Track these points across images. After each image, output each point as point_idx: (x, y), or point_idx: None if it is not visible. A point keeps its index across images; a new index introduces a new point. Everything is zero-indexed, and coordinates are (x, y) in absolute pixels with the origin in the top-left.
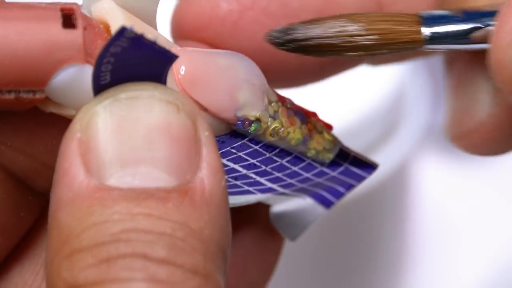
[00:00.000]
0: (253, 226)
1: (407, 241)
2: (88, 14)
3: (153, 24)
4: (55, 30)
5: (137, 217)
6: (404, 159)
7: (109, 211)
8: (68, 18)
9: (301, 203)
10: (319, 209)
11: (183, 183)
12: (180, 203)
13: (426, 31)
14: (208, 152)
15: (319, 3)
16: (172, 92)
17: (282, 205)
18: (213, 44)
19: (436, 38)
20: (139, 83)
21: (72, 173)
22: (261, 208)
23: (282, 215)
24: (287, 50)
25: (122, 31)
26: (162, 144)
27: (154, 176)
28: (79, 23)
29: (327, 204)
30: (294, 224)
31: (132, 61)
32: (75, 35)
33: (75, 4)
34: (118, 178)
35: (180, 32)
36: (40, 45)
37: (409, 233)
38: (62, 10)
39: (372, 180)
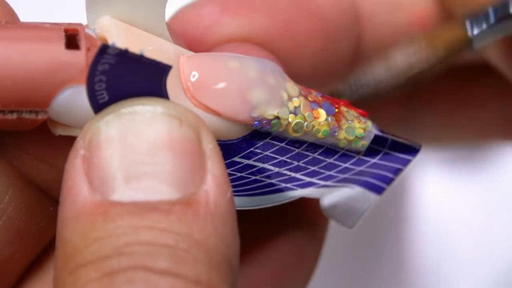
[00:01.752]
0: (292, 234)
1: (405, 252)
2: (92, 32)
3: (163, 33)
4: (58, 51)
5: (139, 230)
6: (403, 172)
7: (112, 225)
8: (72, 39)
9: (350, 192)
10: (371, 196)
11: (186, 196)
12: (184, 215)
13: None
14: (213, 165)
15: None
16: (174, 106)
17: (331, 196)
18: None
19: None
20: (140, 98)
21: (76, 190)
22: (299, 215)
23: (334, 207)
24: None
25: (104, 49)
26: (165, 158)
27: (157, 189)
28: (83, 44)
29: (378, 190)
30: (349, 213)
31: (125, 77)
32: (78, 56)
33: (80, 24)
34: (121, 193)
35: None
36: (43, 66)
37: (407, 244)
38: (66, 31)
39: None
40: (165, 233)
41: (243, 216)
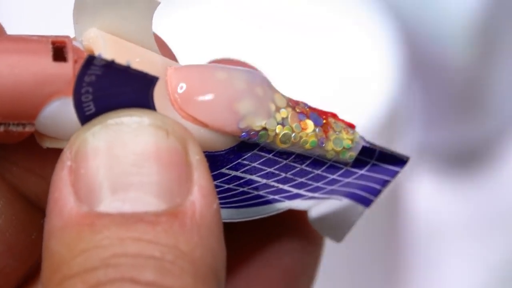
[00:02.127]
0: (291, 235)
1: (398, 262)
2: (79, 44)
3: (151, 44)
4: (45, 64)
5: (126, 242)
6: (396, 180)
7: (98, 236)
8: (60, 51)
9: (338, 204)
10: (359, 208)
11: (173, 207)
12: (170, 226)
13: None
14: (199, 176)
15: None
16: (161, 117)
17: (319, 208)
18: None
19: None
20: (127, 109)
21: (62, 202)
22: (295, 223)
23: (322, 219)
24: None
25: (91, 60)
26: (151, 169)
27: (144, 200)
28: (70, 56)
29: (366, 202)
30: (337, 226)
31: (112, 89)
32: (65, 69)
33: (67, 36)
34: (107, 204)
35: None
36: (30, 78)
37: (400, 253)
38: (53, 43)
39: None
40: (151, 244)
41: (236, 227)
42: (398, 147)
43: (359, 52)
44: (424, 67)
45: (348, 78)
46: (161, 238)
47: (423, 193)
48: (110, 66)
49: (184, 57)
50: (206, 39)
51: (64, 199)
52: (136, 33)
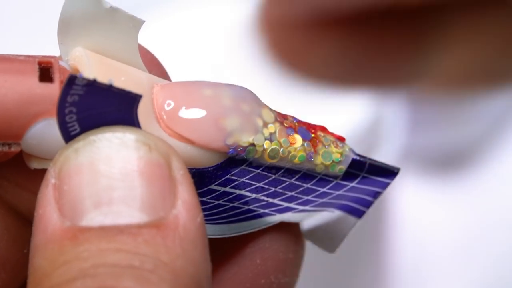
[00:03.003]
0: (272, 233)
1: (384, 267)
2: (65, 64)
3: (136, 62)
4: (31, 84)
5: (105, 252)
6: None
7: (79, 249)
8: (46, 72)
9: (330, 216)
10: (351, 219)
11: (156, 220)
12: (151, 237)
13: None
14: (183, 190)
15: None
16: (143, 133)
17: (311, 220)
18: None
19: None
20: (110, 126)
21: (47, 218)
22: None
23: (314, 230)
24: None
25: (72, 79)
26: (134, 183)
27: (126, 214)
28: (56, 77)
29: (357, 213)
30: (330, 237)
31: (96, 108)
32: (51, 89)
33: (53, 57)
34: (90, 219)
35: None
36: (16, 98)
37: (386, 258)
38: (39, 63)
39: None
40: (130, 254)
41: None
42: (384, 151)
43: None
44: None
45: None
46: (141, 249)
47: (408, 196)
48: (92, 85)
49: (175, 66)
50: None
51: (48, 215)
52: (122, 51)
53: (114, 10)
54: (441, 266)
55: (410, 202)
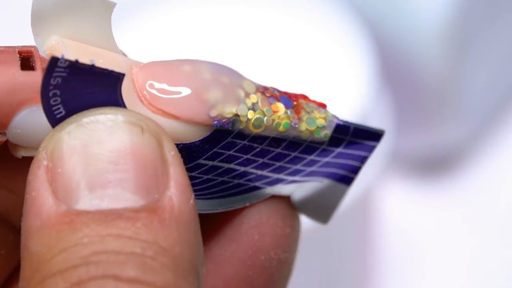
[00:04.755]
0: (261, 208)
1: (370, 270)
2: (43, 55)
3: (113, 47)
4: (14, 73)
5: (106, 239)
6: (367, 186)
7: (78, 234)
8: (26, 61)
9: (320, 185)
10: (341, 187)
11: (151, 202)
12: (150, 222)
13: None
14: (175, 171)
15: None
16: (135, 114)
17: (301, 191)
18: None
19: None
20: (101, 108)
21: (41, 201)
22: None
23: (305, 202)
24: None
25: (55, 61)
26: (128, 166)
27: (122, 197)
28: (38, 65)
29: (347, 181)
30: (321, 207)
31: (80, 89)
32: (34, 77)
33: (33, 46)
34: (86, 202)
35: None
36: (0, 87)
37: (372, 261)
38: (20, 53)
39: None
40: (131, 241)
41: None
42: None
43: (329, 59)
44: (395, 74)
45: (319, 85)
46: (141, 234)
47: (395, 199)
48: (74, 66)
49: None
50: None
51: (42, 198)
52: (96, 36)
53: None
54: (426, 265)
55: (396, 203)
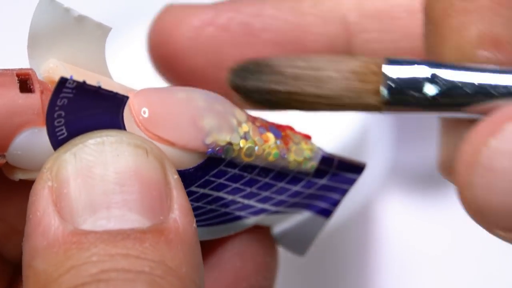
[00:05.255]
0: (243, 237)
1: (370, 281)
2: (40, 77)
3: (105, 73)
4: (13, 95)
5: (115, 257)
6: (367, 199)
7: (87, 253)
8: (24, 83)
9: (300, 218)
10: (320, 220)
11: (157, 224)
12: (156, 242)
13: (386, 93)
14: (178, 195)
15: (284, 25)
16: (138, 137)
17: (282, 224)
18: (175, 61)
19: (397, 103)
20: (105, 130)
21: (46, 221)
22: None
23: (285, 234)
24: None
25: (63, 82)
26: (134, 187)
27: (128, 218)
28: (37, 87)
29: (325, 213)
30: (299, 240)
31: (83, 111)
32: (33, 99)
33: (30, 69)
34: (92, 222)
35: (152, 51)
36: (0, 110)
37: (372, 273)
38: (18, 75)
39: (335, 219)
40: (140, 260)
41: None
42: (370, 166)
43: None
44: None
45: None
46: (148, 254)
47: (395, 211)
48: (82, 88)
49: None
50: None
51: (47, 218)
52: (90, 60)
53: (82, 19)
54: (426, 276)
55: (396, 215)
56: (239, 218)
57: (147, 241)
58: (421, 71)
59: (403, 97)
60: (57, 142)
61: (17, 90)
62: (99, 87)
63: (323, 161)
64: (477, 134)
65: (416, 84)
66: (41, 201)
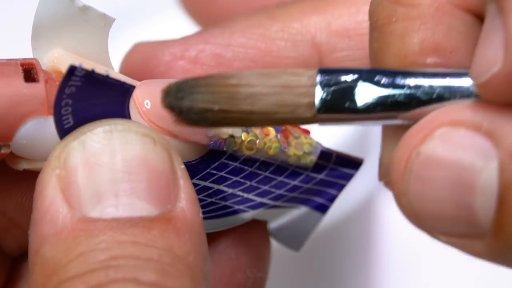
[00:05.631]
0: (236, 231)
1: (371, 277)
2: (43, 67)
3: (108, 64)
4: (18, 85)
5: (124, 245)
6: (367, 196)
7: (95, 240)
8: (29, 73)
9: (296, 213)
10: (316, 215)
11: (164, 212)
12: (164, 230)
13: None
14: (185, 184)
15: (255, 53)
16: (146, 126)
17: (279, 219)
18: None
19: (332, 114)
20: (112, 119)
21: (55, 209)
22: None
23: (281, 229)
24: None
25: (72, 70)
26: (141, 176)
27: (136, 206)
28: (41, 76)
29: (322, 209)
30: (295, 235)
31: (90, 100)
32: (38, 89)
33: (34, 59)
34: (100, 210)
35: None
36: (5, 99)
37: (371, 271)
38: (22, 65)
39: (335, 217)
40: (148, 247)
41: None
42: (370, 163)
43: None
44: None
45: None
46: (157, 242)
47: (393, 209)
48: (90, 76)
49: None
50: None
51: (56, 206)
52: (93, 51)
53: (86, 9)
54: (426, 272)
55: (394, 212)
56: (238, 211)
57: (155, 229)
58: (353, 80)
59: (337, 108)
60: (63, 131)
61: (22, 80)
62: (107, 76)
63: (322, 156)
64: (408, 141)
65: (349, 94)
66: (49, 189)
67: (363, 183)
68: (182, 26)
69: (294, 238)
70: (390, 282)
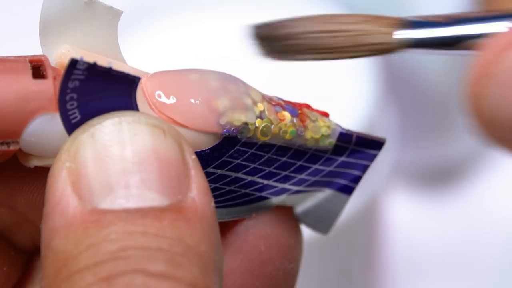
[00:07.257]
0: (265, 219)
1: (375, 279)
2: (52, 64)
3: (119, 57)
4: (26, 81)
5: (134, 235)
6: (372, 197)
7: (105, 231)
8: (37, 70)
9: (321, 196)
10: (342, 197)
11: (175, 202)
12: (175, 220)
13: (400, 35)
14: (196, 174)
15: None
16: (155, 117)
17: (304, 203)
18: None
19: (411, 44)
20: (121, 111)
21: (65, 202)
22: None
23: (307, 213)
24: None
25: (74, 63)
26: (152, 166)
27: (147, 196)
28: (49, 73)
29: (347, 190)
30: (322, 218)
31: (96, 93)
32: (46, 85)
33: (43, 55)
34: (111, 201)
35: None
36: (13, 96)
37: (377, 270)
38: (31, 61)
39: (340, 217)
40: (158, 237)
41: None
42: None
43: (335, 71)
44: (400, 86)
45: (324, 98)
46: (167, 232)
47: (399, 209)
48: (93, 69)
49: None
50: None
51: (66, 198)
52: (103, 45)
53: (92, 3)
54: (430, 274)
55: (400, 213)
56: (260, 198)
57: (166, 219)
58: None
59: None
60: (70, 126)
61: (30, 76)
62: (110, 68)
63: (341, 138)
64: (494, 44)
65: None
66: (60, 182)
67: (368, 184)
68: (195, 24)
69: (321, 221)
70: (395, 282)
